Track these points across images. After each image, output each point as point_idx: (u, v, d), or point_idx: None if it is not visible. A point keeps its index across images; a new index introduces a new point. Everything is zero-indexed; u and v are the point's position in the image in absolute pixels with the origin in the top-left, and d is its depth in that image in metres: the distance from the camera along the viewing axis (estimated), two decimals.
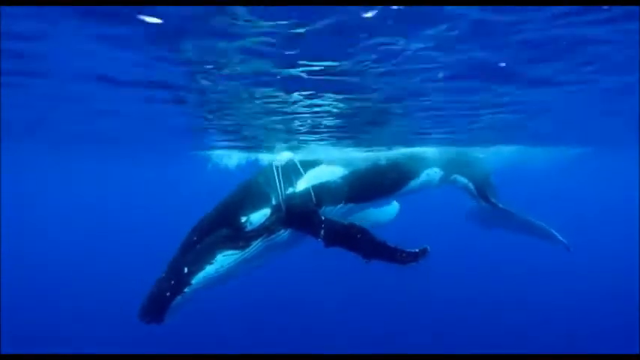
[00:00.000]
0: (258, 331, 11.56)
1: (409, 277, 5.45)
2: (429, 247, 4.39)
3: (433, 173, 6.23)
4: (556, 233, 6.69)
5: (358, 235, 4.52)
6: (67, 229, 27.32)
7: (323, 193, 5.07)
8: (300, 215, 4.83)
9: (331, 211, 5.16)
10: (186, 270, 4.43)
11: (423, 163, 6.08)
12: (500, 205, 6.89)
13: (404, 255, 4.37)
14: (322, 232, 4.60)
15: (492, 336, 11.39)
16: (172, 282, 4.38)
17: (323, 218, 4.75)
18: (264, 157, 8.32)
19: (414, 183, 5.99)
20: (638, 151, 12.53)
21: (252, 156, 9.37)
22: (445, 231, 19.00)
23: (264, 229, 4.80)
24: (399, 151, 6.11)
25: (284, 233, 4.93)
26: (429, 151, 6.37)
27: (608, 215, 26.11)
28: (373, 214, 5.50)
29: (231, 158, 9.95)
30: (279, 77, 4.02)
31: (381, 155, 5.77)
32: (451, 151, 6.76)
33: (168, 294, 4.34)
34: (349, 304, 12.91)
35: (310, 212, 4.84)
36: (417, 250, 4.39)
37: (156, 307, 4.34)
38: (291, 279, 13.03)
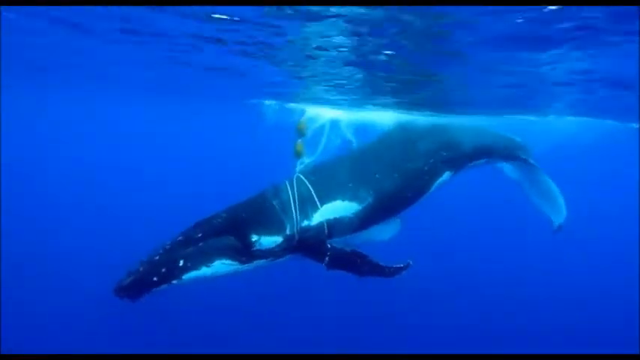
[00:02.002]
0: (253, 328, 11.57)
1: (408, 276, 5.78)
2: (411, 262, 5.15)
3: (442, 181, 6.19)
4: (563, 207, 7.02)
5: (358, 260, 5.05)
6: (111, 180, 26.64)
7: (335, 227, 5.24)
8: (310, 247, 5.05)
9: (339, 240, 5.30)
10: (181, 263, 4.39)
11: (432, 174, 6.02)
12: (531, 161, 7.06)
13: (391, 270, 5.11)
14: (327, 259, 4.98)
15: (491, 336, 11.41)
16: (164, 270, 4.32)
17: (329, 246, 5.04)
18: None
19: (425, 196, 6.05)
20: None
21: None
22: (445, 228, 18.99)
23: (271, 253, 4.88)
24: (410, 163, 5.97)
25: (288, 257, 5.07)
26: (435, 154, 6.19)
27: (607, 212, 26.04)
28: (376, 231, 5.75)
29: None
30: None
31: (394, 177, 5.71)
32: (462, 146, 6.48)
33: (155, 279, 4.29)
34: (347, 302, 12.91)
35: (320, 243, 5.07)
36: (401, 265, 5.13)
37: (138, 288, 4.30)
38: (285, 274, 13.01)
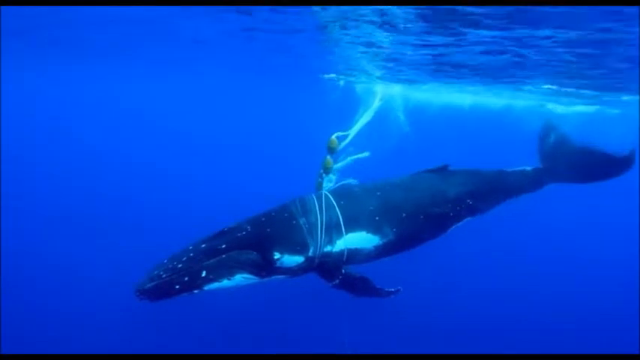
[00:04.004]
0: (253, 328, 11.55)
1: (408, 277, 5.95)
2: (401, 289, 5.33)
3: (460, 225, 6.37)
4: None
5: (362, 284, 5.21)
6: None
7: (354, 256, 5.34)
8: (326, 270, 5.15)
9: (353, 267, 5.42)
10: (204, 274, 4.43)
11: (454, 220, 6.21)
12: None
13: (384, 293, 5.26)
14: (337, 281, 5.11)
15: (490, 336, 11.41)
16: (186, 279, 4.36)
17: (343, 272, 5.17)
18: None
19: (438, 237, 6.24)
20: None
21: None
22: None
23: (290, 271, 4.96)
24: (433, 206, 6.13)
25: (303, 275, 5.19)
26: (462, 202, 6.33)
27: (608, 210, 26.02)
28: None
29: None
30: None
31: (419, 218, 5.86)
32: (489, 195, 6.77)
33: (177, 287, 4.33)
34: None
35: (336, 268, 5.18)
36: (392, 290, 5.29)
37: (159, 294, 4.34)
38: None
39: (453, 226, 6.23)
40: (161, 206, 18.66)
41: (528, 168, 7.53)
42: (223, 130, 34.89)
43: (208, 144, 31.99)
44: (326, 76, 12.75)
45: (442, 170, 6.60)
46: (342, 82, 13.15)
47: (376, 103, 6.44)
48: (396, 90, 12.02)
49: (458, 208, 6.18)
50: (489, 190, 6.78)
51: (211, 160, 27.05)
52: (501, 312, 12.71)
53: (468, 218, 6.38)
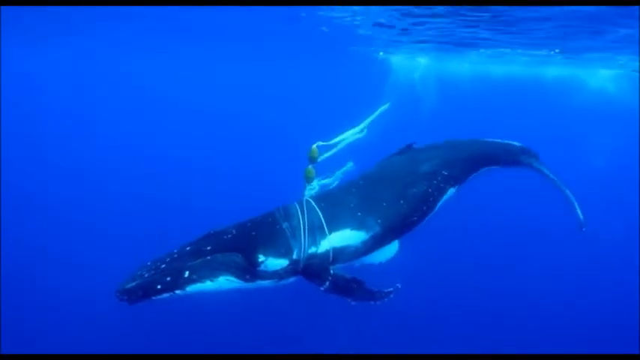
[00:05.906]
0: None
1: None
2: (399, 285, 5.33)
3: (447, 198, 6.35)
4: (578, 209, 7.56)
5: (355, 286, 5.16)
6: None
7: (341, 254, 5.31)
8: (314, 272, 5.10)
9: (342, 267, 5.39)
10: (186, 274, 4.40)
11: (437, 195, 6.16)
12: (536, 165, 7.48)
13: (381, 294, 5.26)
14: (327, 283, 5.05)
15: (490, 336, 11.40)
16: (168, 278, 4.33)
17: (332, 272, 5.13)
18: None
19: (430, 216, 6.19)
20: None
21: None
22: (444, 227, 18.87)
23: (275, 275, 4.93)
24: (418, 189, 6.04)
25: (290, 280, 5.16)
26: (437, 175, 6.26)
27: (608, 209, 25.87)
28: (375, 254, 5.82)
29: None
30: None
31: (400, 204, 5.81)
32: (461, 162, 6.69)
33: (159, 287, 4.31)
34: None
35: (324, 270, 5.13)
36: (391, 289, 5.32)
37: (140, 294, 4.31)
38: None
39: (440, 201, 6.19)
40: (179, 192, 17.91)
41: (517, 144, 7.56)
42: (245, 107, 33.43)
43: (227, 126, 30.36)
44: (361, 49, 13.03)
45: (408, 150, 6.64)
46: (381, 54, 13.45)
47: (383, 107, 6.44)
48: (424, 62, 13.33)
49: (435, 181, 6.15)
50: (461, 158, 6.75)
51: (227, 144, 25.98)
52: (501, 311, 12.70)
53: (451, 189, 6.34)
